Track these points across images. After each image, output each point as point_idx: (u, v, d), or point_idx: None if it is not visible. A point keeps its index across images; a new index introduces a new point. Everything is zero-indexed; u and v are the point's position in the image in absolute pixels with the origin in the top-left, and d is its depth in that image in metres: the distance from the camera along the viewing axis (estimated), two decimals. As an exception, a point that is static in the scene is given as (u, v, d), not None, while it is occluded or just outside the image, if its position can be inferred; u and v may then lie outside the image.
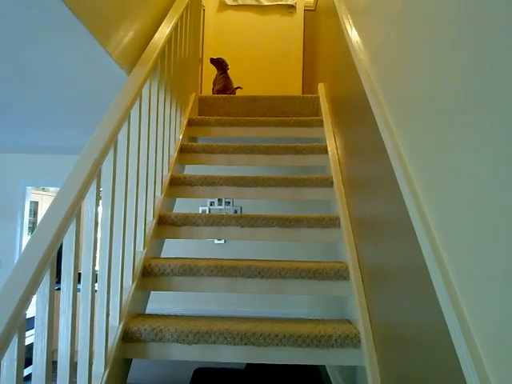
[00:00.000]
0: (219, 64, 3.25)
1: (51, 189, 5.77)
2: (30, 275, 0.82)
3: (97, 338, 1.27)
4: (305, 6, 3.85)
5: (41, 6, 1.31)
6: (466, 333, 0.79)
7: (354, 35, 1.92)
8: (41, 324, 0.91)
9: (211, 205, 3.83)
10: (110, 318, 1.35)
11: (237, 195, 2.21)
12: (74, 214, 1.06)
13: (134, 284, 1.58)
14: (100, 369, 1.28)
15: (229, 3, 3.85)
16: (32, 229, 4.84)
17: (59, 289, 1.06)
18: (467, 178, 0.83)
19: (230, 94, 3.22)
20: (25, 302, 0.80)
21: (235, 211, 3.82)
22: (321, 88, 2.98)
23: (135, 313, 1.61)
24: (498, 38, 0.75)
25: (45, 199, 5.73)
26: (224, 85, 3.24)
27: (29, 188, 4.04)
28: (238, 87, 3.29)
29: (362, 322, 1.49)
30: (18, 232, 3.92)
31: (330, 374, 2.34)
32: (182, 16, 2.37)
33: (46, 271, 0.91)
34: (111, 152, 1.36)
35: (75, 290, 1.07)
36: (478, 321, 0.78)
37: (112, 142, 1.34)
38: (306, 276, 1.68)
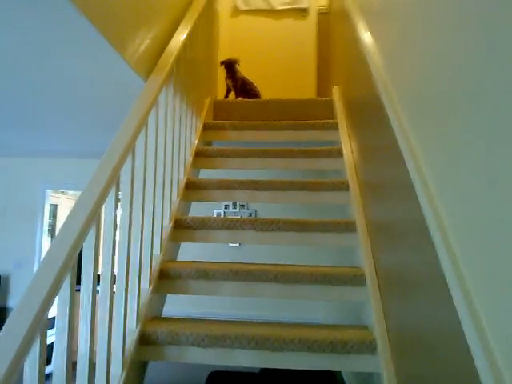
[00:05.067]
0: (230, 67, 3.21)
1: (70, 192, 5.88)
2: (51, 281, 0.84)
3: (114, 340, 1.29)
4: (318, 9, 3.84)
5: (63, 19, 1.35)
6: (483, 340, 0.78)
7: (367, 37, 1.91)
8: (61, 327, 0.93)
9: (226, 208, 3.85)
10: (127, 321, 1.37)
11: (251, 199, 2.22)
12: (93, 220, 1.08)
13: (151, 287, 1.60)
14: (118, 370, 1.29)
15: (242, 8, 3.87)
16: (51, 231, 4.93)
17: (79, 290, 1.08)
18: (486, 179, 0.82)
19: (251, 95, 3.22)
20: (46, 306, 0.82)
21: (250, 214, 3.83)
22: (335, 91, 2.97)
23: (152, 315, 1.63)
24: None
25: (64, 202, 5.83)
26: (251, 85, 3.23)
27: (48, 191, 4.13)
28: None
29: (379, 327, 1.48)
30: (38, 234, 4.00)
31: (345, 379, 2.32)
32: (196, 22, 2.40)
33: (67, 276, 0.94)
34: (129, 158, 1.38)
35: (94, 294, 1.09)
36: (495, 327, 0.77)
37: (130, 148, 1.37)
38: (322, 281, 1.67)
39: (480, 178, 0.84)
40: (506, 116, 0.76)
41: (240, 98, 3.24)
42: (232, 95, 3.32)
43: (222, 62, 3.19)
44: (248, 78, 3.26)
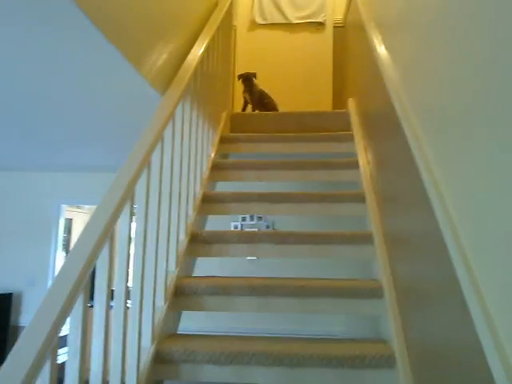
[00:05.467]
0: (248, 81, 3.20)
1: (85, 206, 5.91)
2: (63, 302, 0.83)
3: (128, 359, 1.27)
4: (334, 23, 3.85)
5: (80, 36, 1.38)
6: (502, 356, 0.75)
7: (383, 51, 1.90)
8: (74, 347, 0.92)
9: (243, 220, 3.83)
10: (141, 339, 1.35)
11: (268, 211, 2.20)
12: (107, 237, 1.07)
13: (167, 304, 1.58)
14: (132, 390, 1.27)
15: (259, 22, 3.90)
16: (65, 246, 4.93)
17: (92, 306, 1.07)
18: (505, 191, 0.78)
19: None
20: (57, 328, 0.81)
21: (267, 226, 3.80)
22: (351, 103, 2.94)
23: (167, 333, 1.61)
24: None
25: (79, 216, 5.86)
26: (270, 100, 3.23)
27: (63, 206, 4.08)
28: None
29: (397, 341, 1.45)
30: (52, 249, 3.94)
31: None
32: (213, 37, 2.41)
33: (80, 296, 0.92)
34: (145, 172, 1.38)
35: (108, 312, 1.08)
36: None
37: (145, 163, 1.37)
38: (339, 295, 1.64)
39: (497, 190, 0.81)
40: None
41: (257, 111, 3.24)
42: (249, 108, 3.32)
43: (240, 76, 3.19)
44: (266, 90, 3.26)
